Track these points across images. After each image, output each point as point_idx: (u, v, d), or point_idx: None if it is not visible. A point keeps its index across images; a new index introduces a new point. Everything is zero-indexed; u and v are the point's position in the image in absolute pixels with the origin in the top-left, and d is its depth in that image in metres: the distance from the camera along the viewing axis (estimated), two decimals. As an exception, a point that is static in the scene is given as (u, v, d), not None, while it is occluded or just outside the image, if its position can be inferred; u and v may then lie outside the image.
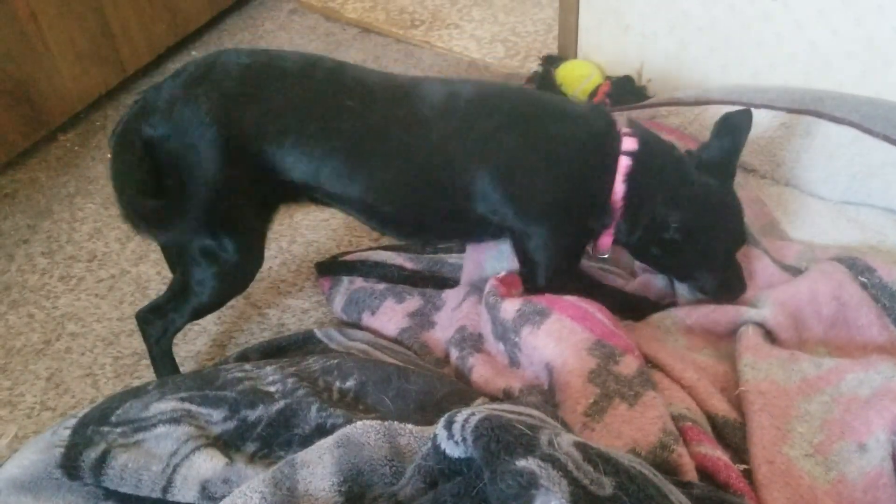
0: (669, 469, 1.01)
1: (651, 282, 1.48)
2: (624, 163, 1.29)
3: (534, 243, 1.34)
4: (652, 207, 1.29)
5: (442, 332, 1.43)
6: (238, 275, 1.33)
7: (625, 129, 1.32)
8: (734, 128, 1.34)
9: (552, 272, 1.34)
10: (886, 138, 1.56)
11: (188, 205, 1.17)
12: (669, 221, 1.28)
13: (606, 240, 1.36)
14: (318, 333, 1.40)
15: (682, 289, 1.44)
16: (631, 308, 1.38)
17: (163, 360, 1.38)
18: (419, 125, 1.27)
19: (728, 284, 1.37)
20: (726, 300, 1.37)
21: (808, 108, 1.65)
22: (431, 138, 1.27)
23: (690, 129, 1.72)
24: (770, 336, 1.29)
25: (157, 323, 1.34)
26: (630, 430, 1.07)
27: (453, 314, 1.44)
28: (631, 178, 1.29)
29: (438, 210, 1.33)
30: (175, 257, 1.42)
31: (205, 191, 1.19)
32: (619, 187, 1.29)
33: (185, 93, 1.22)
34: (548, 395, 1.19)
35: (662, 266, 1.41)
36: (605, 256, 1.43)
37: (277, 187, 1.29)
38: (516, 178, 1.29)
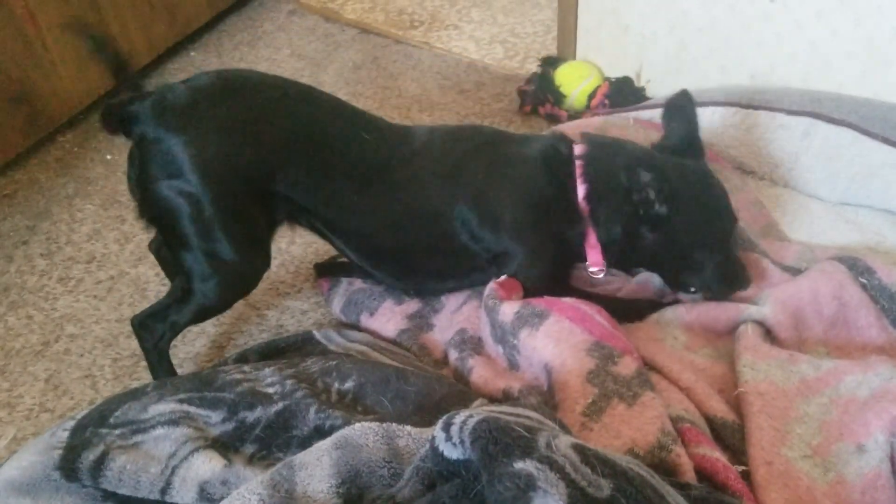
0: (668, 469, 1.01)
1: (650, 280, 1.47)
2: (578, 164, 1.36)
3: (517, 264, 1.37)
4: (619, 192, 1.31)
5: (440, 334, 1.44)
6: (241, 277, 1.33)
7: (578, 142, 1.40)
8: (679, 108, 1.43)
9: (541, 292, 1.34)
10: (885, 140, 1.56)
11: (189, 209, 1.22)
12: (647, 191, 1.29)
13: (595, 257, 1.37)
14: (317, 335, 1.40)
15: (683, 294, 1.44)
16: (629, 313, 1.38)
17: (160, 364, 1.37)
18: (412, 161, 1.37)
19: (729, 275, 1.36)
20: (729, 292, 1.36)
21: (806, 109, 1.65)
22: (421, 172, 1.37)
23: (689, 130, 1.71)
24: (770, 335, 1.29)
25: (157, 327, 1.33)
26: (628, 430, 1.07)
27: (453, 317, 1.44)
28: (588, 176, 1.35)
29: (429, 242, 1.40)
30: (172, 261, 1.42)
31: (209, 196, 1.22)
32: (581, 189, 1.35)
33: (209, 101, 1.24)
34: (547, 396, 1.19)
35: (660, 260, 1.39)
36: (600, 277, 1.41)
37: (282, 208, 1.33)
38: (487, 198, 1.35)
